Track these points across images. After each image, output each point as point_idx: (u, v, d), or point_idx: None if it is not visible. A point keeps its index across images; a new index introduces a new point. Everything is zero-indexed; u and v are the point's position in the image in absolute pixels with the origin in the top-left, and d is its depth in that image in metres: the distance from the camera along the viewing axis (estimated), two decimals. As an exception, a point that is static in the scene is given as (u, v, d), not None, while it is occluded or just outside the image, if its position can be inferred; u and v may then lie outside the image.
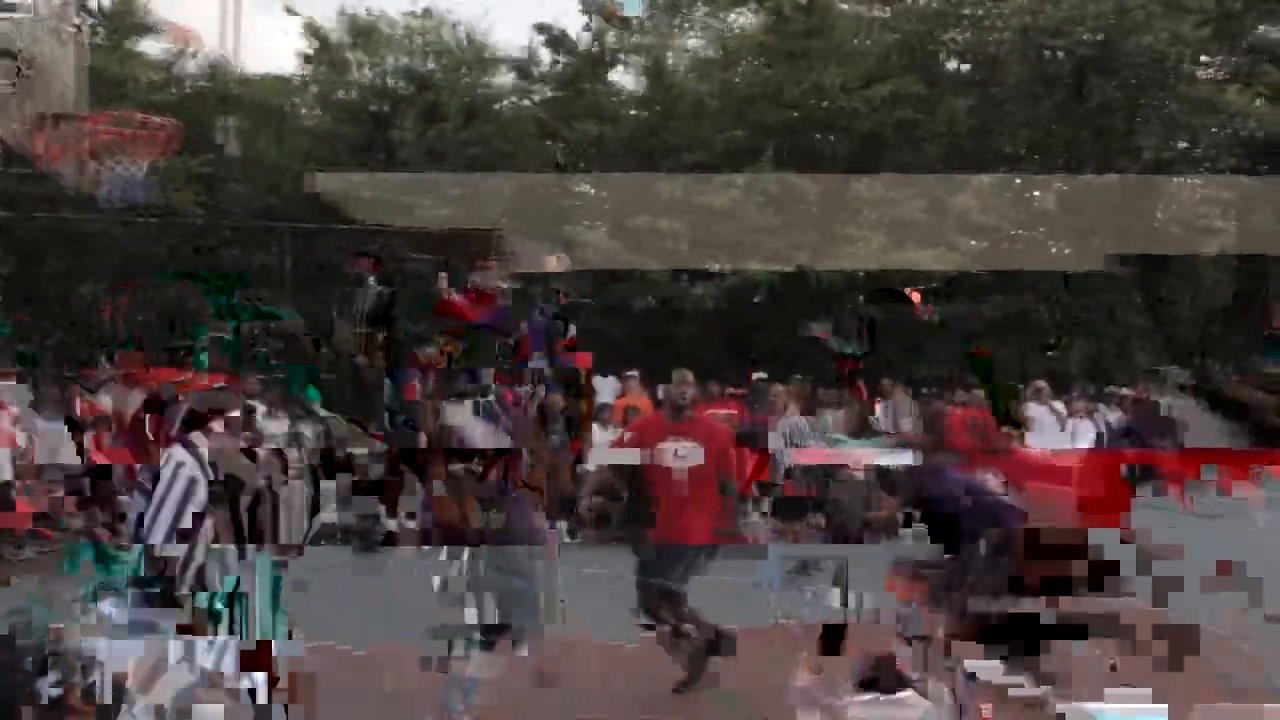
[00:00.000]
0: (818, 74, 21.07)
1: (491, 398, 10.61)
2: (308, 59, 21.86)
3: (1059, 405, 14.38)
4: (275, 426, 10.37)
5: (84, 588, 6.00)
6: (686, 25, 24.05)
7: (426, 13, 21.90)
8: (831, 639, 5.04)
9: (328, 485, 6.67)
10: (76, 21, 11.91)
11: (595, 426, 12.22)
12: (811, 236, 20.31)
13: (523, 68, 23.26)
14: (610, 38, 22.87)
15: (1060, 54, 21.58)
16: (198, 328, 12.59)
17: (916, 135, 21.74)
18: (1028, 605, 5.17)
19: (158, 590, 5.08)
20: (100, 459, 9.03)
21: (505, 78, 23.61)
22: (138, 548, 6.09)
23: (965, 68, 23.81)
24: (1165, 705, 4.61)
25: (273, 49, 21.09)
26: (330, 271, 18.09)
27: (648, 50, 22.66)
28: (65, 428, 9.72)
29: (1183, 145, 22.13)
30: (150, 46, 19.83)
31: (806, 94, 21.09)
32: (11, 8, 11.24)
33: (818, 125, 21.62)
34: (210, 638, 4.76)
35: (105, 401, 10.21)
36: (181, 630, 4.75)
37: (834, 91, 21.16)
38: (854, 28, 22.80)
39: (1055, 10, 20.82)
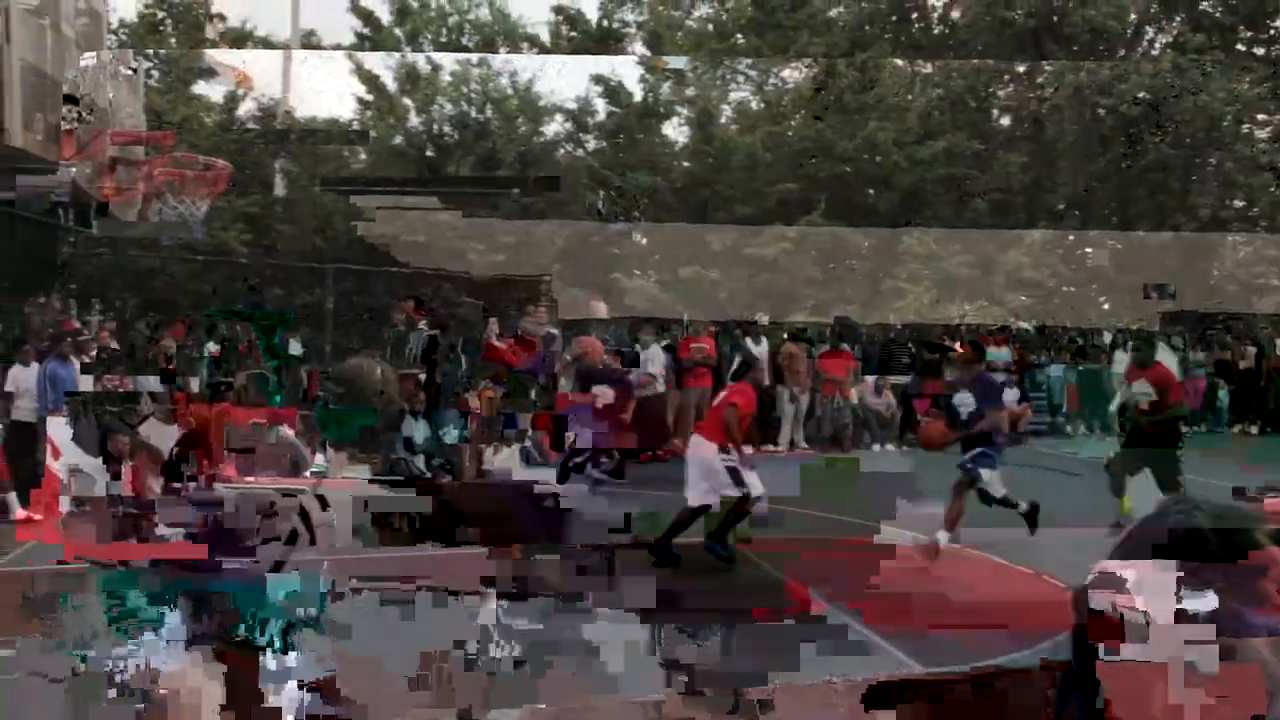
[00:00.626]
0: (870, 130, 20.95)
1: (529, 443, 10.52)
2: (364, 105, 22.09)
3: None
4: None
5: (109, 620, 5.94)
6: (736, 79, 24.05)
7: (483, 62, 22.07)
8: (876, 697, 4.76)
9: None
10: (134, 65, 12.16)
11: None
12: (861, 290, 20.10)
13: (577, 118, 23.35)
14: (665, 90, 22.93)
15: (1114, 112, 21.31)
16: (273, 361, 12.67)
17: (967, 191, 21.51)
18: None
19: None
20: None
21: (560, 127, 23.73)
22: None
23: (1009, 122, 23.61)
24: None
25: (326, 93, 21.17)
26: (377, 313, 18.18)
27: (697, 103, 22.66)
28: (102, 462, 9.70)
29: (1239, 204, 21.70)
30: (208, 89, 20.17)
31: (859, 149, 20.96)
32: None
33: (869, 180, 21.47)
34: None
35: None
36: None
37: (886, 146, 21.03)
38: (902, 84, 22.69)
39: (1107, 69, 20.60)
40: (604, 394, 10.22)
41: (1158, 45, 23.43)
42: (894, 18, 23.74)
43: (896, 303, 19.65)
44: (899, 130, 20.99)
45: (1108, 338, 17.90)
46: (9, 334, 13.82)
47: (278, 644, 5.38)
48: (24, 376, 10.89)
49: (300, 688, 4.73)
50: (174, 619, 5.65)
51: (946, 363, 16.35)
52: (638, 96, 23.03)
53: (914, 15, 24.19)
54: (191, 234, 11.72)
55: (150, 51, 19.29)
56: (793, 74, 24.20)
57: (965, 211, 21.21)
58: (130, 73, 13.98)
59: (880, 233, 20.55)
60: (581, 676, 5.47)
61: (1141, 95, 20.67)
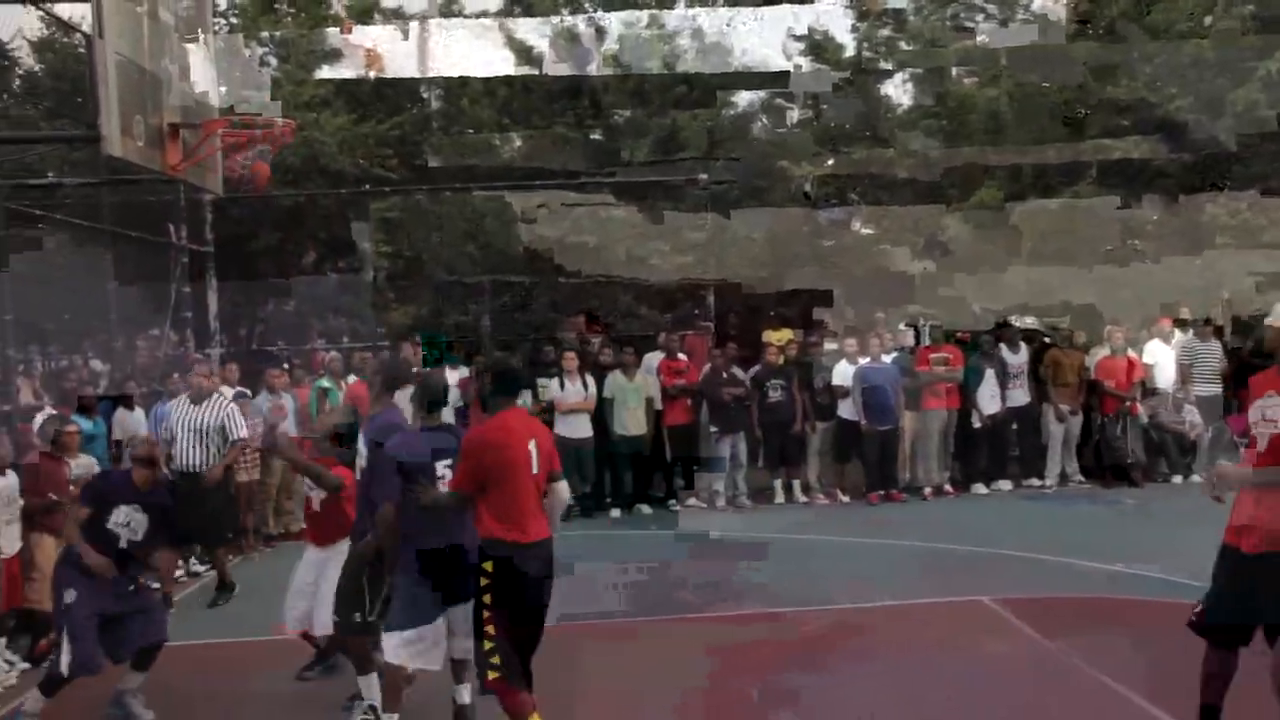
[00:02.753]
0: (1155, 68, 19.66)
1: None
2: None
3: None
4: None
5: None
6: (973, 18, 23.05)
7: (655, 21, 21.88)
8: None
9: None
10: (246, 51, 12.61)
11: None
12: (1146, 275, 18.96)
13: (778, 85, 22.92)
14: (880, 40, 22.29)
15: None
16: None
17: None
18: None
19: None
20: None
21: (755, 96, 23.38)
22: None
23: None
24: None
25: (474, 62, 21.23)
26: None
27: (922, 51, 21.83)
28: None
29: None
30: (334, 73, 20.69)
31: (1136, 93, 19.72)
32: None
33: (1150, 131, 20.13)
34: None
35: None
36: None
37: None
38: (1199, 3, 21.09)
39: None
40: None
41: None
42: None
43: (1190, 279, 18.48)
44: (1194, 67, 19.63)
45: None
46: (118, 372, 14.46)
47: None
48: (129, 421, 11.26)
49: None
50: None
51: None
52: (849, 51, 22.51)
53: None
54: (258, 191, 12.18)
55: (266, 34, 20.01)
56: (1046, 4, 23.11)
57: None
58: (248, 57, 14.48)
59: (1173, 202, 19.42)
60: None
61: None
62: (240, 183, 11.40)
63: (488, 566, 5.89)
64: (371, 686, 6.90)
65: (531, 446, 6.05)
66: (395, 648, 6.41)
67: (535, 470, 6.05)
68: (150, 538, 7.55)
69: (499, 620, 5.88)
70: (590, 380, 14.40)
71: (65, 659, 7.17)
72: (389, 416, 7.03)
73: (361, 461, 6.93)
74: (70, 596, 7.24)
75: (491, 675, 5.89)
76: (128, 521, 7.42)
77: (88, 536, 7.37)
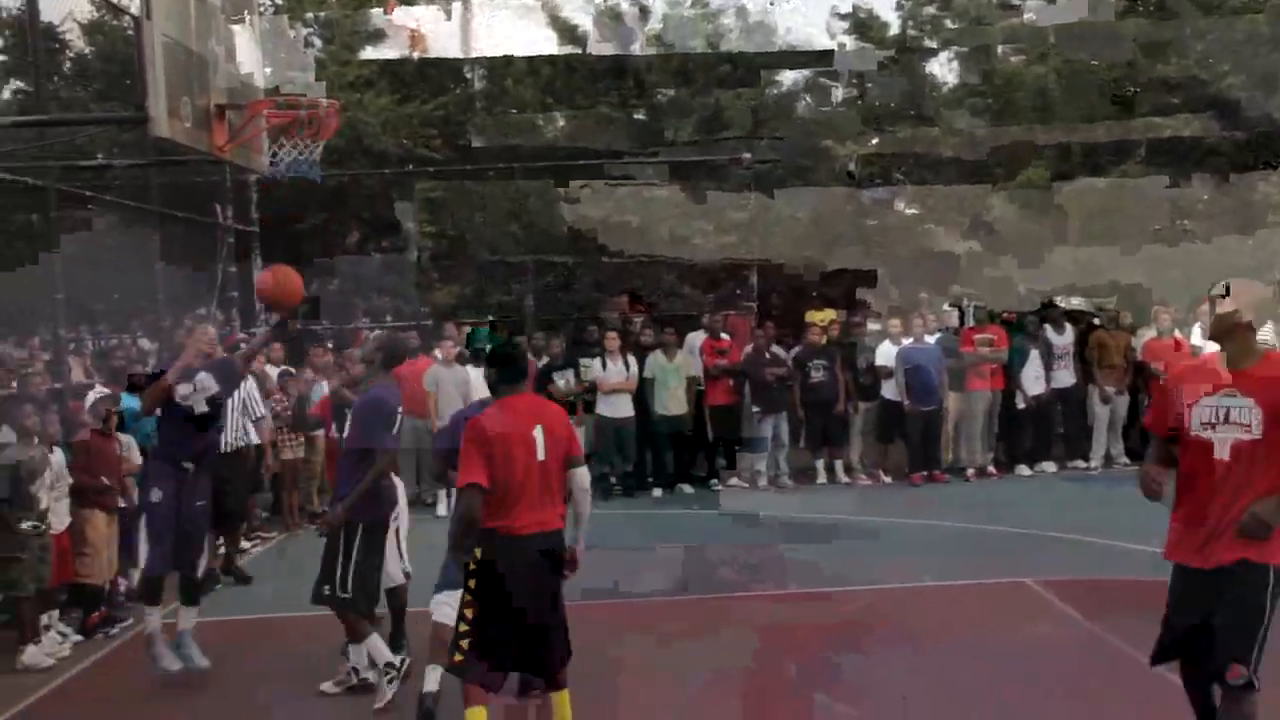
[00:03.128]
0: (1206, 45, 19.39)
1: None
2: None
3: None
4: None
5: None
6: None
7: (699, 0, 21.87)
8: None
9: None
10: (291, 32, 12.63)
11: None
12: (1196, 256, 18.73)
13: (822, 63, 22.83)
14: (925, 18, 22.12)
15: None
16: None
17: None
18: None
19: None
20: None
21: (799, 75, 23.29)
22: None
23: None
24: None
25: (517, 42, 21.31)
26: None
27: (968, 29, 21.62)
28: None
29: None
30: (378, 54, 20.84)
31: (1186, 70, 19.48)
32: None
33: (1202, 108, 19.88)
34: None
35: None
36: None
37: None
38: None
39: None
40: None
41: None
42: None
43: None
44: (1248, 43, 19.34)
45: None
46: (166, 351, 14.61)
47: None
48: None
49: None
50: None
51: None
52: (894, 29, 22.39)
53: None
54: (311, 177, 12.27)
55: (310, 15, 20.16)
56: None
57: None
58: (293, 38, 14.54)
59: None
60: None
61: None
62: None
63: (477, 552, 5.75)
64: (377, 649, 7.24)
65: (537, 432, 5.79)
66: (441, 605, 6.64)
67: (543, 457, 5.79)
68: (223, 392, 8.06)
69: (475, 609, 5.81)
70: (632, 360, 14.50)
71: (146, 554, 7.93)
72: (378, 391, 7.36)
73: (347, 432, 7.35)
74: (156, 495, 7.72)
75: (457, 658, 5.84)
76: (194, 389, 7.76)
77: (165, 412, 7.85)
